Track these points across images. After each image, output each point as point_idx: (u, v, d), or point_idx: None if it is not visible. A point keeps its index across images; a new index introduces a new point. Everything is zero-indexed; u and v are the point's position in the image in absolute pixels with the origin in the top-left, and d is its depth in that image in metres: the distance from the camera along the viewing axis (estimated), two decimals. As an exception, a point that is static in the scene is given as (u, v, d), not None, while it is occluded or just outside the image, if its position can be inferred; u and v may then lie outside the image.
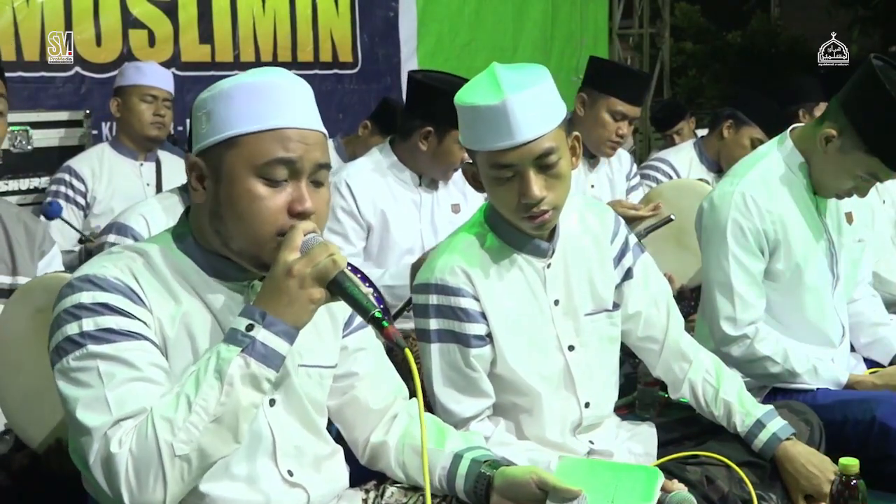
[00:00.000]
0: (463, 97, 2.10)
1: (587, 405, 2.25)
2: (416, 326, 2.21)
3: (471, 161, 2.17)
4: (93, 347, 1.55)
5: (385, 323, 1.57)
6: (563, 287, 2.22)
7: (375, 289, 2.65)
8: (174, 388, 1.56)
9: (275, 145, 1.59)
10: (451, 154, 3.33)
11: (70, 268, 3.55)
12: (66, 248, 3.93)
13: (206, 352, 1.59)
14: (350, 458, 1.89)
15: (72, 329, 1.57)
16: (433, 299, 2.14)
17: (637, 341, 2.37)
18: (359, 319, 1.87)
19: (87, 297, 1.58)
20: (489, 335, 2.16)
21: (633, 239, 2.36)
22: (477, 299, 2.14)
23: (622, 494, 1.76)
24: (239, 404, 1.53)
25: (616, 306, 2.30)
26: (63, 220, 3.84)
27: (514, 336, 2.17)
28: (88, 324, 1.56)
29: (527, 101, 2.02)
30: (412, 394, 1.84)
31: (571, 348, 2.22)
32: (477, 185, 2.17)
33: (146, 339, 1.59)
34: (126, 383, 1.54)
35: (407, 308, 2.93)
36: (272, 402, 1.72)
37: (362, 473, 1.92)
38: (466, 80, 3.44)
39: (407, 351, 1.56)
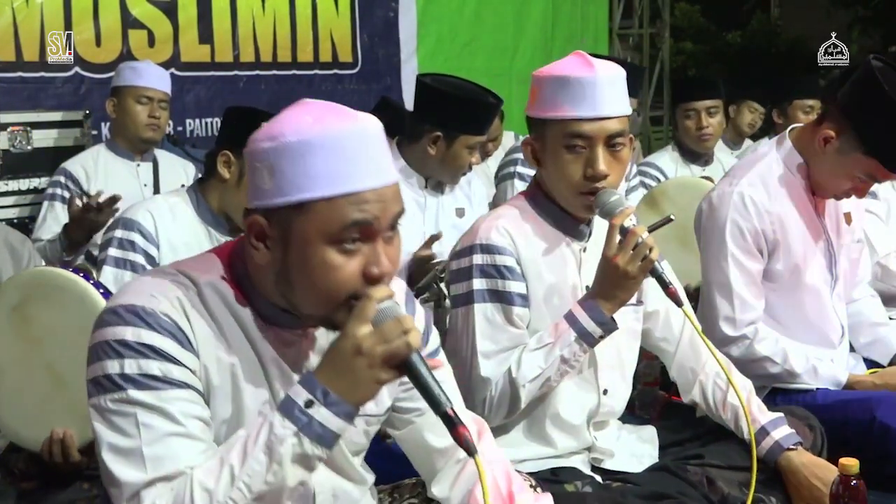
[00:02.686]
0: (547, 70, 2.15)
1: (605, 392, 2.27)
2: (455, 293, 2.22)
3: (532, 139, 2.20)
4: (133, 393, 1.46)
5: (456, 421, 1.45)
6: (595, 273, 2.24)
7: None
8: (218, 451, 1.47)
9: (349, 209, 1.45)
10: (460, 158, 3.34)
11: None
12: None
13: (257, 417, 1.50)
14: (367, 458, 1.82)
15: (112, 367, 1.48)
16: (477, 259, 2.17)
17: (655, 341, 2.40)
18: (425, 353, 1.75)
19: (131, 333, 1.48)
20: (527, 298, 2.18)
21: None
22: (519, 263, 2.17)
23: None
24: (285, 483, 1.44)
25: (640, 302, 2.33)
26: None
27: (546, 308, 2.19)
28: (131, 365, 1.47)
29: (614, 80, 2.13)
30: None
31: None
32: (535, 161, 2.20)
33: (190, 387, 1.50)
34: (164, 438, 1.46)
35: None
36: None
37: (377, 475, 1.86)
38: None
39: (477, 458, 1.45)
